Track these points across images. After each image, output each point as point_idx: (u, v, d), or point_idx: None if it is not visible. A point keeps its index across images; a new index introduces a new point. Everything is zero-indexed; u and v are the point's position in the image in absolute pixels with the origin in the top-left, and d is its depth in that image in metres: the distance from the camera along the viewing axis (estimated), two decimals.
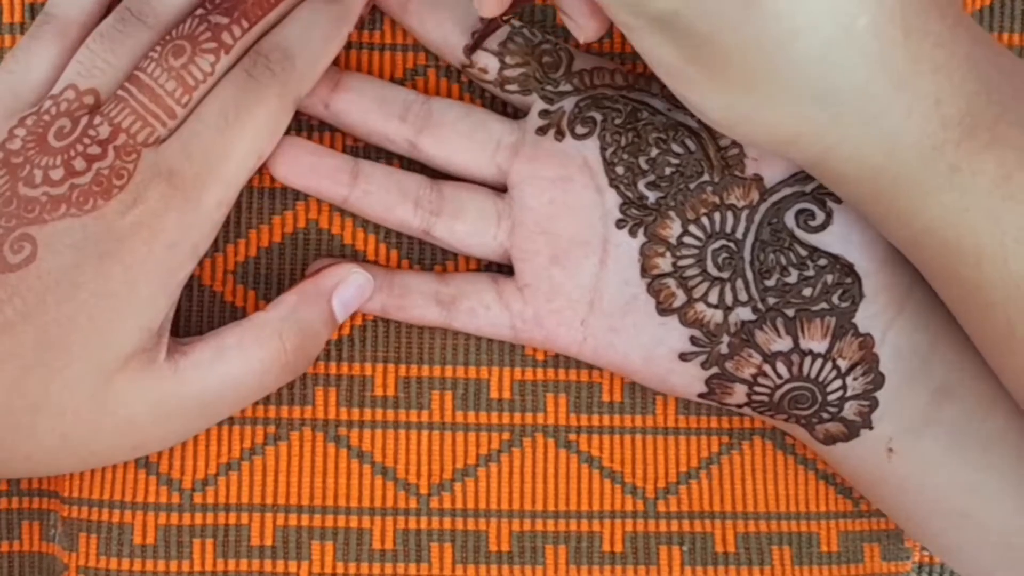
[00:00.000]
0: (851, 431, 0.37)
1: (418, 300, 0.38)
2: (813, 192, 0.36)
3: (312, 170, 0.37)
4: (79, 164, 0.35)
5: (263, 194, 0.39)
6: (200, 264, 0.39)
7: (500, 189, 0.38)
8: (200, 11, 0.36)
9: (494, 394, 0.39)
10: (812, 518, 0.40)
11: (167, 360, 0.35)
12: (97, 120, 0.35)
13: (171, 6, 0.36)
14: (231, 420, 0.39)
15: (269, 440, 0.39)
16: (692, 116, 0.37)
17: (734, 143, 0.36)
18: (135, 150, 0.35)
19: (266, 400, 0.39)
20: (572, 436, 0.39)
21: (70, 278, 0.34)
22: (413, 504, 0.39)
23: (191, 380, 0.36)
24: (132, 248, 0.34)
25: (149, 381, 0.35)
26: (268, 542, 0.39)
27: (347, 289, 0.38)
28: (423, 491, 0.39)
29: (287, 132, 0.37)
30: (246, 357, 0.36)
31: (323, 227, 0.39)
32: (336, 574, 0.39)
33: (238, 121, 0.35)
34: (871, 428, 0.37)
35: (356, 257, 0.39)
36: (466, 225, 0.38)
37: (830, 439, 0.38)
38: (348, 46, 0.39)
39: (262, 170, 0.39)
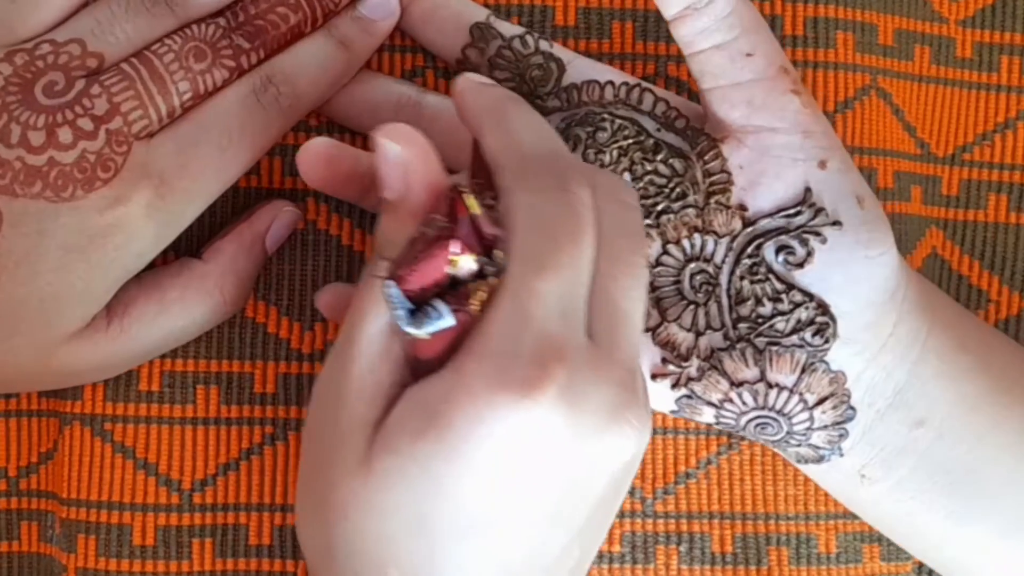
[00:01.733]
0: (820, 456, 0.37)
1: None
2: (797, 230, 0.36)
3: (343, 180, 0.36)
4: (65, 136, 0.33)
5: (262, 195, 0.39)
6: None
7: None
8: (223, 22, 0.36)
9: None
10: (810, 519, 0.40)
11: (110, 321, 0.36)
12: (95, 90, 0.34)
13: (202, 6, 0.36)
14: (229, 421, 0.39)
15: (267, 440, 0.39)
16: (682, 138, 0.37)
17: (723, 170, 0.36)
18: (127, 141, 0.34)
19: (264, 400, 0.39)
20: None
21: (30, 263, 0.33)
22: None
23: (134, 336, 0.36)
24: (101, 248, 0.34)
25: (93, 345, 0.35)
26: (266, 541, 0.39)
27: (279, 228, 0.38)
28: None
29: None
30: (188, 311, 0.37)
31: (321, 228, 0.39)
32: None
33: (241, 144, 0.35)
34: (841, 455, 0.37)
35: (354, 258, 0.39)
36: None
37: (801, 460, 0.38)
38: None
39: (260, 171, 0.39)
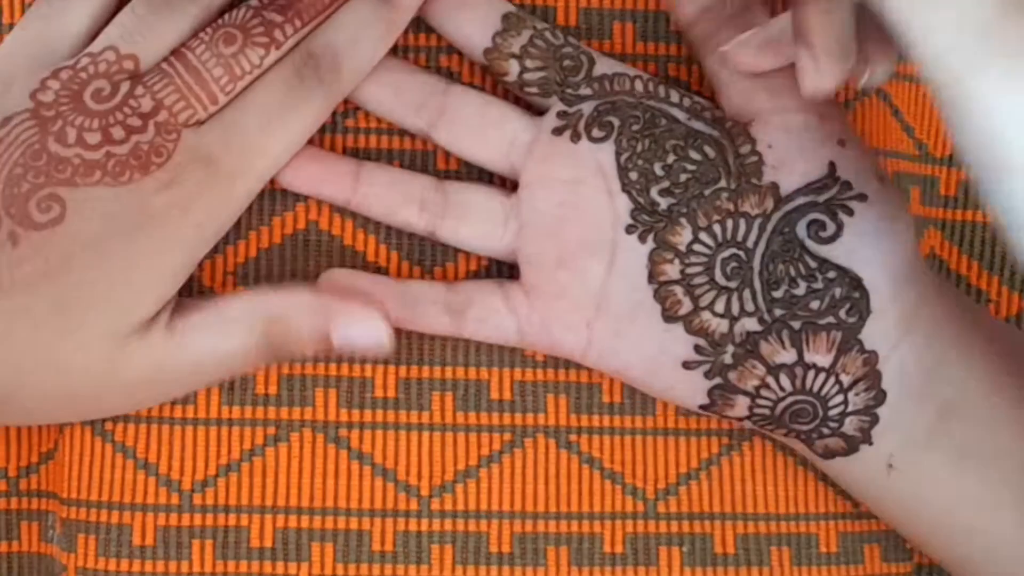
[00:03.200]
0: (850, 446, 0.37)
1: (430, 311, 0.38)
2: (826, 202, 0.36)
3: (316, 176, 0.38)
4: (117, 133, 0.35)
5: (263, 195, 0.39)
6: (200, 265, 0.39)
7: (514, 180, 0.39)
8: (255, 2, 0.36)
9: (494, 395, 0.39)
10: (812, 519, 0.40)
11: (169, 324, 0.36)
12: (139, 91, 0.35)
13: None
14: (230, 421, 0.38)
15: (269, 441, 0.39)
16: (712, 125, 0.37)
17: (754, 151, 0.37)
18: (176, 129, 0.35)
19: (266, 401, 0.39)
20: (573, 437, 0.39)
21: (96, 245, 0.34)
22: (413, 506, 0.39)
23: (187, 343, 0.36)
24: (162, 225, 0.35)
25: (153, 343, 0.36)
26: (268, 543, 0.38)
27: (359, 330, 0.37)
28: (423, 493, 0.39)
29: None
30: (240, 331, 0.36)
31: (323, 228, 0.39)
32: (336, 575, 0.38)
33: (281, 120, 0.36)
34: (871, 444, 0.37)
35: (356, 258, 0.39)
36: (471, 228, 0.38)
37: (829, 453, 0.38)
38: None
39: None
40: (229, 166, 0.35)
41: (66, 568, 0.38)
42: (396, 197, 0.38)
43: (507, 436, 0.39)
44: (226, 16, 0.36)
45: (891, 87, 0.41)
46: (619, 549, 0.39)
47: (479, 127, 0.38)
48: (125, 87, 0.35)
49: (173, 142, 0.35)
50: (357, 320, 0.36)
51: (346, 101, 0.38)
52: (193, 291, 0.39)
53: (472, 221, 0.38)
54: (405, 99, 0.38)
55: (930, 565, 0.42)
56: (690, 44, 0.39)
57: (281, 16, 0.36)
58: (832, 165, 0.36)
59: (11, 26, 0.38)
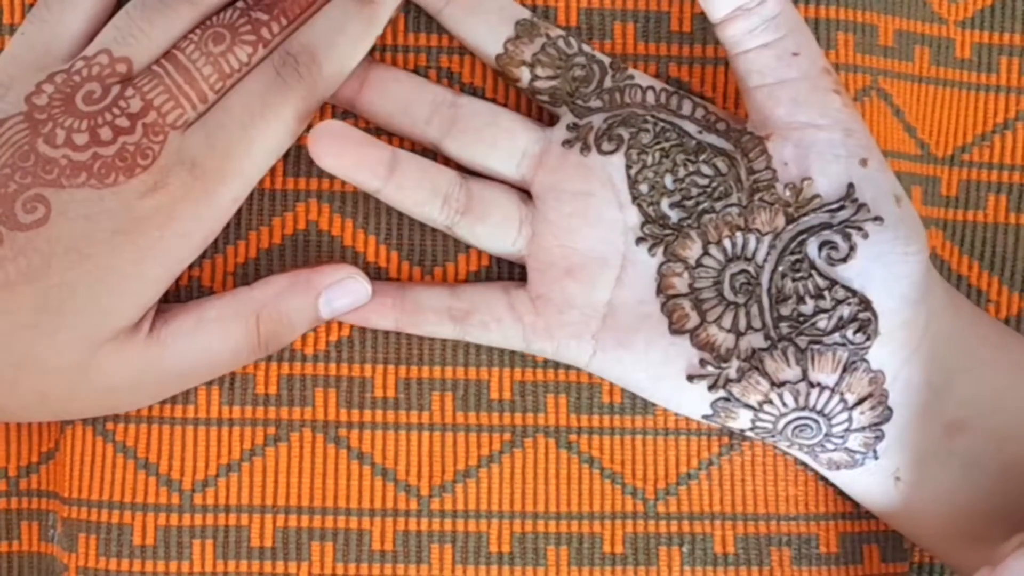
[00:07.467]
0: (855, 460, 0.37)
1: (431, 317, 0.38)
2: (841, 224, 0.36)
3: (355, 162, 0.37)
4: (105, 134, 0.35)
5: (263, 196, 0.39)
6: (200, 265, 0.39)
7: (526, 191, 0.39)
8: (241, 4, 0.37)
9: (494, 395, 0.39)
10: (811, 519, 0.40)
11: (150, 330, 0.36)
12: (129, 92, 0.36)
13: None
14: (231, 421, 0.39)
15: (269, 441, 0.39)
16: (724, 139, 0.37)
17: (768, 167, 0.36)
18: (163, 131, 0.35)
19: (266, 401, 0.39)
20: (573, 437, 0.39)
21: (79, 247, 0.35)
22: (413, 505, 0.39)
23: (170, 350, 0.36)
24: (145, 230, 0.35)
25: (132, 351, 0.36)
26: (268, 543, 0.39)
27: (339, 291, 0.38)
28: (423, 492, 0.39)
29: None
30: (224, 332, 0.37)
31: (323, 228, 0.39)
32: (335, 575, 0.38)
33: (263, 119, 0.36)
34: (876, 458, 0.37)
35: (356, 259, 0.39)
36: (488, 228, 0.38)
37: (833, 466, 0.38)
38: None
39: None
40: (213, 170, 0.35)
41: (67, 568, 0.38)
42: (425, 191, 0.38)
43: (507, 436, 0.39)
44: (214, 18, 0.37)
45: (893, 87, 0.41)
46: (619, 549, 0.39)
47: (490, 138, 0.38)
48: (115, 90, 0.36)
49: (159, 144, 0.35)
50: (339, 287, 0.37)
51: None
52: (193, 292, 0.39)
53: (490, 221, 0.38)
54: (415, 112, 0.38)
55: (931, 564, 0.42)
56: (723, 45, 0.38)
57: (267, 15, 0.37)
58: (851, 187, 0.36)
59: (11, 27, 0.38)
